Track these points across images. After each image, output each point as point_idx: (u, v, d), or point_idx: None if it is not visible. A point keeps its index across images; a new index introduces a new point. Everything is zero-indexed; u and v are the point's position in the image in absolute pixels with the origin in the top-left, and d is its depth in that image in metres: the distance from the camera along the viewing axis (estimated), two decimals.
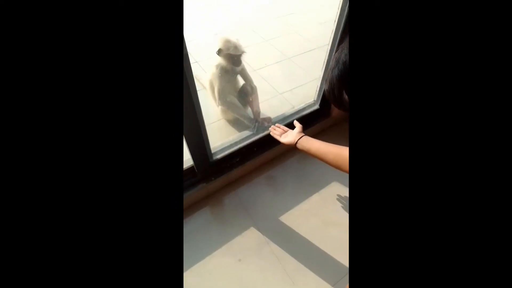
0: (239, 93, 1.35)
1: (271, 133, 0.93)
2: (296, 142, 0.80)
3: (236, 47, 1.17)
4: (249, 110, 1.41)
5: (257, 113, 1.36)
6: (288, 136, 0.85)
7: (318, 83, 1.27)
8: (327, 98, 0.52)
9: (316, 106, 1.33)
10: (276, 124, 0.93)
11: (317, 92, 1.31)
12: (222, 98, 1.29)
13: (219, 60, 1.23)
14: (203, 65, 1.79)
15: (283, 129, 0.92)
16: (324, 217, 1.12)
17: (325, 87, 0.51)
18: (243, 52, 1.20)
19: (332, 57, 0.49)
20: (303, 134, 0.83)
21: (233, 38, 1.20)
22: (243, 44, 1.22)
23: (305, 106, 1.34)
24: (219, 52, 1.18)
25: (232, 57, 1.19)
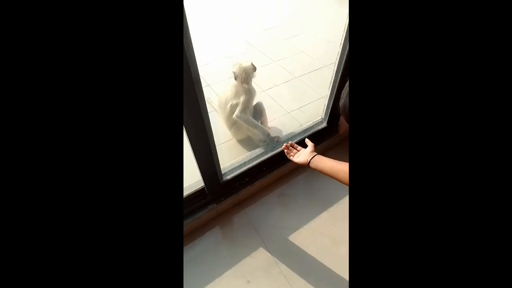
0: (253, 111, 1.40)
1: (285, 152, 0.94)
2: (309, 162, 0.81)
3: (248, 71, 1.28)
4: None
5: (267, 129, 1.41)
6: (301, 156, 0.86)
7: (325, 101, 1.29)
8: (341, 113, 0.53)
9: (324, 124, 1.34)
10: (290, 143, 0.94)
11: (324, 111, 1.33)
12: (243, 112, 1.32)
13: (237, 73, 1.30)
14: (215, 88, 1.85)
15: (296, 149, 0.93)
16: (334, 236, 1.11)
17: (341, 102, 0.52)
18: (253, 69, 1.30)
19: None
20: (315, 153, 0.84)
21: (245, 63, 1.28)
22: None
23: (313, 124, 1.36)
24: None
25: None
